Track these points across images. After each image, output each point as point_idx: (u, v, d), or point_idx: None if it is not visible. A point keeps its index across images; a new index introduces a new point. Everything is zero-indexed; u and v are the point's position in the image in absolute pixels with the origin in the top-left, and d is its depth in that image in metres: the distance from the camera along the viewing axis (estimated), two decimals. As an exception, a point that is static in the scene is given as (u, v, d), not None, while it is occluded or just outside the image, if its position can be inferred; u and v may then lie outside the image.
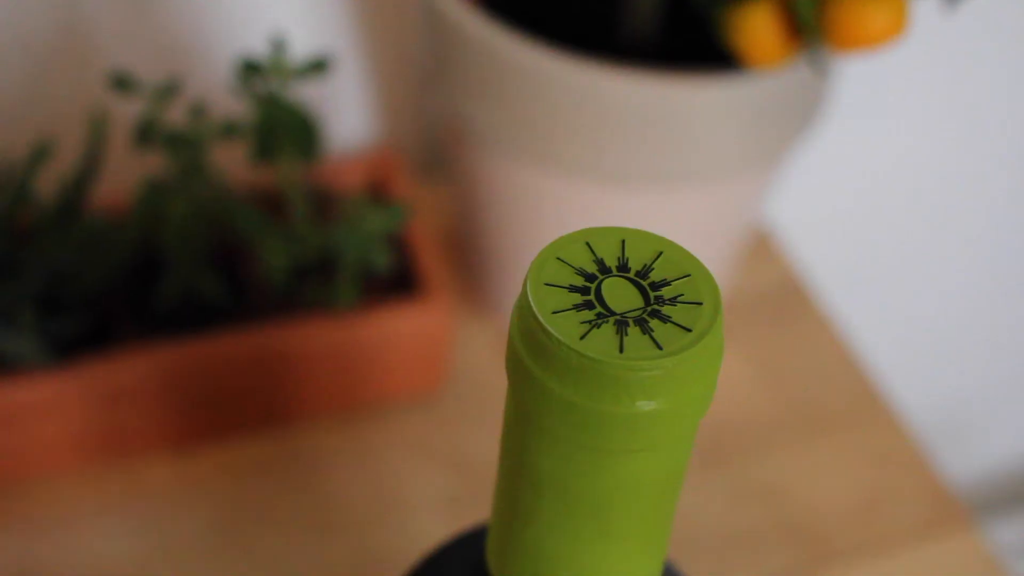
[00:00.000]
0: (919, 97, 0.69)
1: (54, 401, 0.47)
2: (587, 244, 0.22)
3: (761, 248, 0.61)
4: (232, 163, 0.51)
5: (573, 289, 0.22)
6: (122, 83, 0.45)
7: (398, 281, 0.51)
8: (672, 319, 0.21)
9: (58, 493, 0.50)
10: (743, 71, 0.45)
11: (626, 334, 0.21)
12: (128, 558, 0.48)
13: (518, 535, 0.23)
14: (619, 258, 0.22)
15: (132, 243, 0.48)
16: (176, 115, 0.47)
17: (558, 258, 0.22)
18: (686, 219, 0.51)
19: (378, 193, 0.54)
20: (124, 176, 0.54)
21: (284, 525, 0.49)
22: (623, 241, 0.23)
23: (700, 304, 0.21)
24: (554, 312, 0.21)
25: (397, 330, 0.49)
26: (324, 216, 0.51)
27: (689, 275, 0.22)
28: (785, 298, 0.58)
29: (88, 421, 0.48)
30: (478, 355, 0.55)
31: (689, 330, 0.21)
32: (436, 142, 0.61)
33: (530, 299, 0.21)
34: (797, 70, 0.46)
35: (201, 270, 0.48)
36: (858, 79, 0.64)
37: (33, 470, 0.49)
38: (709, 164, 0.47)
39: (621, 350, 0.21)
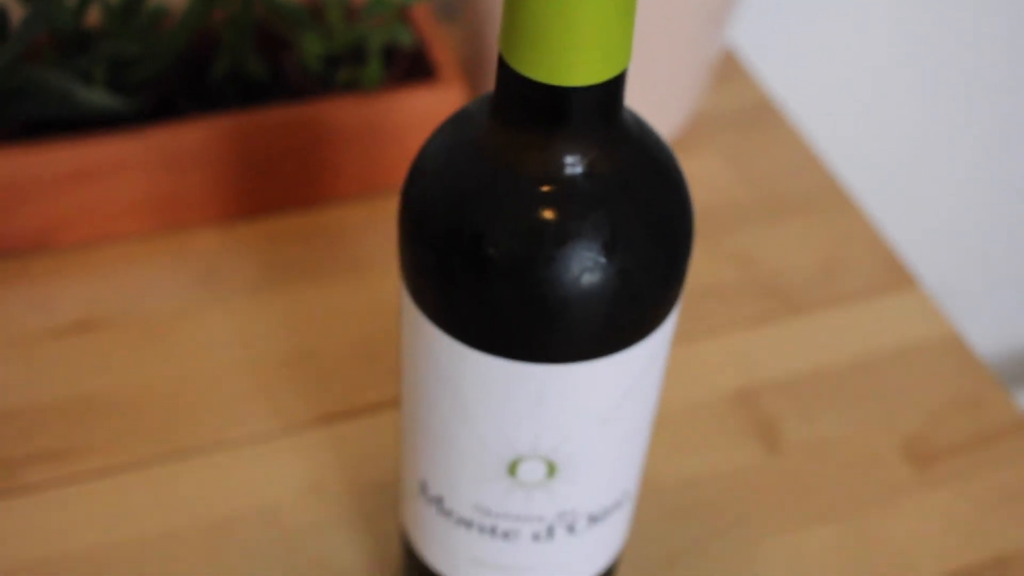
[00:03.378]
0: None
1: (123, 161, 0.54)
2: None
3: (734, 69, 0.69)
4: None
5: None
6: None
7: (416, 75, 0.59)
8: None
9: (122, 252, 0.57)
10: None
11: None
12: (183, 305, 0.55)
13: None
14: None
15: (189, 31, 0.56)
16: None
17: None
18: (662, 21, 0.58)
19: None
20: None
21: (317, 278, 0.57)
22: None
23: None
24: None
25: (415, 108, 0.57)
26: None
27: None
28: (756, 110, 0.66)
29: (150, 183, 0.56)
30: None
31: None
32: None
33: None
34: None
35: (248, 53, 0.56)
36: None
37: (102, 229, 0.57)
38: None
39: None
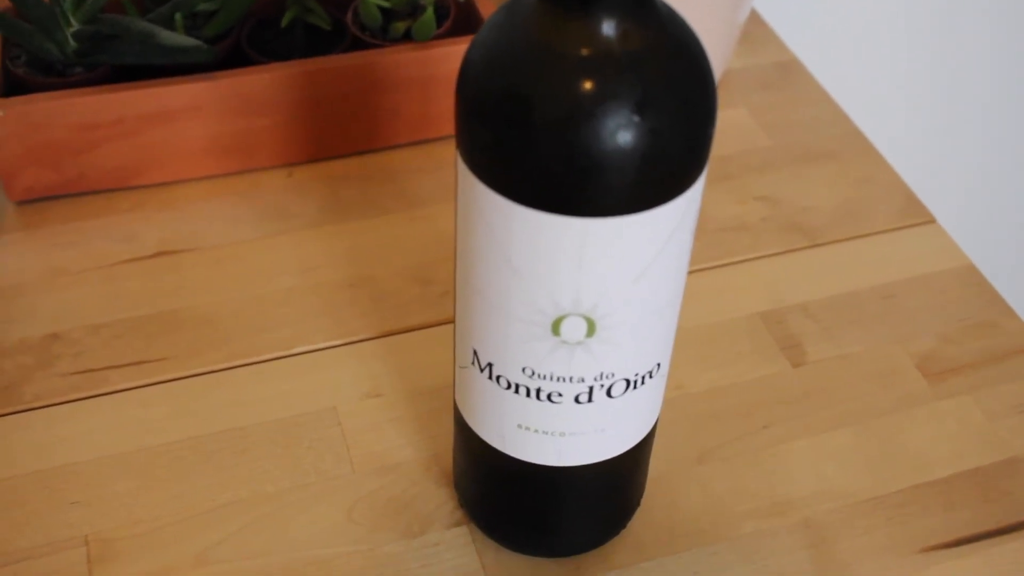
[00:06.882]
0: None
1: (197, 104, 0.60)
2: None
3: (760, 31, 0.73)
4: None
5: None
6: None
7: (465, 29, 0.64)
8: None
9: (196, 190, 0.62)
10: None
11: None
12: (252, 237, 0.60)
13: None
14: None
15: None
16: None
17: None
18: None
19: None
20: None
21: (376, 214, 0.61)
22: None
23: None
24: None
25: (466, 58, 0.62)
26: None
27: None
28: (782, 68, 0.71)
29: (222, 126, 0.61)
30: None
31: None
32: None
33: None
34: None
35: (312, 6, 0.61)
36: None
37: (179, 169, 0.62)
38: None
39: None
